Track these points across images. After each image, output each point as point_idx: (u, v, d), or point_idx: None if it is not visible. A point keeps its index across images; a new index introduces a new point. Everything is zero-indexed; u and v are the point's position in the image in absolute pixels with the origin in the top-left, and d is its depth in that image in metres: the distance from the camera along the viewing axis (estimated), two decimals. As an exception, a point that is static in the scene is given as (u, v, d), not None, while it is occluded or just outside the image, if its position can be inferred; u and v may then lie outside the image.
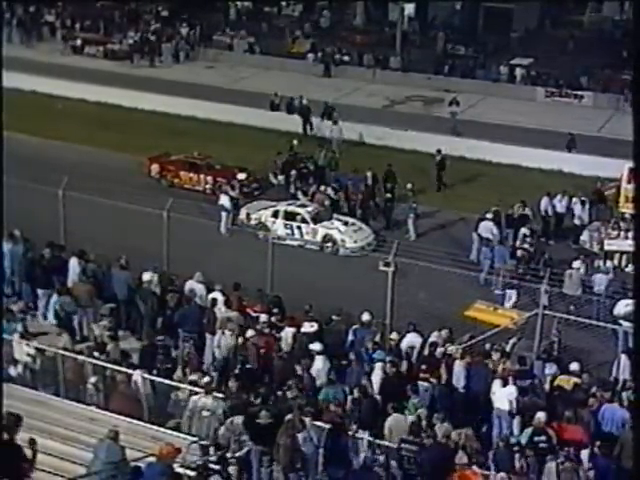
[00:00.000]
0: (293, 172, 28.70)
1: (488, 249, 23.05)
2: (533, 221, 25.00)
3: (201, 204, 26.28)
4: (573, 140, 32.25)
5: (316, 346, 16.60)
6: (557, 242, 25.43)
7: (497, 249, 23.05)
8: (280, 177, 29.24)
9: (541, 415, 14.64)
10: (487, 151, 32.32)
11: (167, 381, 15.59)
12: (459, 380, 16.38)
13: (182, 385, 15.42)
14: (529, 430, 14.64)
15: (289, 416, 13.87)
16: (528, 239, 23.61)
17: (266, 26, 53.55)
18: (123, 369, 15.63)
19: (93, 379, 15.67)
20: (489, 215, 24.28)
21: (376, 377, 16.12)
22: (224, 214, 25.79)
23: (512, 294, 21.13)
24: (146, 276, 19.28)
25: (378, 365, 16.31)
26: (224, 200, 26.19)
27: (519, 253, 22.99)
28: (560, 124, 35.43)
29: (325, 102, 35.71)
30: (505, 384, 15.72)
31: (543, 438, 14.39)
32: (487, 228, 23.86)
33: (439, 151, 30.05)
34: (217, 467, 13.16)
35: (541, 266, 21.77)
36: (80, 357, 16.15)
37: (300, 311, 18.52)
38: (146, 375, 15.55)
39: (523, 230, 23.91)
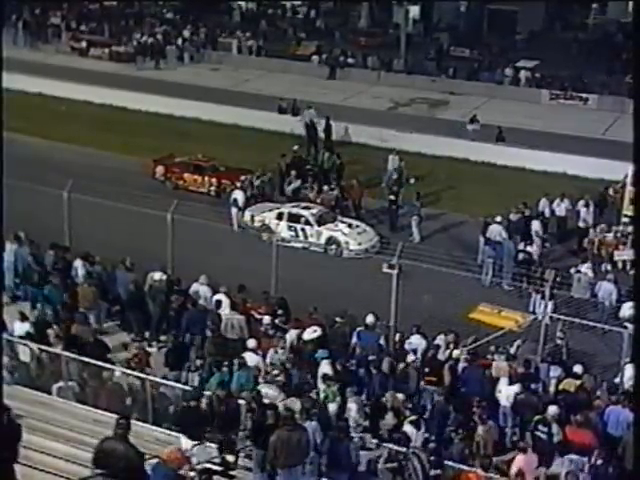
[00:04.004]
0: (293, 173, 28.65)
1: (490, 247, 23.01)
2: (534, 223, 24.94)
3: (205, 206, 26.25)
4: (501, 133, 33.11)
5: (250, 343, 16.62)
6: (561, 245, 25.37)
7: (505, 244, 22.98)
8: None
9: (553, 409, 14.61)
10: (492, 153, 32.29)
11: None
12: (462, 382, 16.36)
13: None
14: (537, 417, 14.66)
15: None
16: (529, 241, 23.58)
17: (271, 28, 53.62)
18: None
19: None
20: (498, 218, 24.18)
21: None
22: (235, 210, 25.83)
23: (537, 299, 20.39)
24: (157, 275, 19.39)
25: (324, 362, 16.11)
26: (238, 195, 26.31)
27: (521, 256, 22.96)
28: (565, 126, 35.42)
29: (308, 105, 34.33)
30: (511, 382, 15.72)
31: (545, 430, 14.39)
32: (497, 232, 23.78)
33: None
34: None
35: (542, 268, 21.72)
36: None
37: (305, 313, 18.54)
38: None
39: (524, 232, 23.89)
